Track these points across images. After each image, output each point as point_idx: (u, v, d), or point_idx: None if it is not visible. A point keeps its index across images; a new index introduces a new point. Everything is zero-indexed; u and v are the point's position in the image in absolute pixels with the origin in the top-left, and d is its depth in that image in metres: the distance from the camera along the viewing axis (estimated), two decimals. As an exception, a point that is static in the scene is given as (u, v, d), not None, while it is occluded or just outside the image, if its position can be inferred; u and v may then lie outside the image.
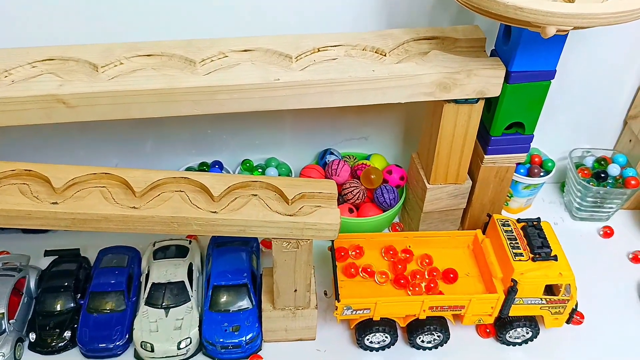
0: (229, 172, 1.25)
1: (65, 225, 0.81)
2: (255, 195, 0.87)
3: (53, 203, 0.81)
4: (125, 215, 0.81)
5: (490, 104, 0.99)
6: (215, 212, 0.83)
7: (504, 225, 1.01)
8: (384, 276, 1.03)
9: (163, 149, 1.24)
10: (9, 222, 0.81)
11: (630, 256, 1.20)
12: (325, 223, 0.84)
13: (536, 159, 1.24)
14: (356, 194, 1.15)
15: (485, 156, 1.03)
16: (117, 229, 0.82)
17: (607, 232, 1.25)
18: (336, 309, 0.95)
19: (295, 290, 0.95)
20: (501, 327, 1.01)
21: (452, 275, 1.02)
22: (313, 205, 0.87)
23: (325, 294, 1.09)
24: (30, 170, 0.84)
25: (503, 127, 0.99)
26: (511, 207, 1.28)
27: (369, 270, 1.03)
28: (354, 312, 0.96)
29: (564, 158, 1.31)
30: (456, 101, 0.94)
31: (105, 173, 0.86)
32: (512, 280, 0.94)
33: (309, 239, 0.87)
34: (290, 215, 0.85)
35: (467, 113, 0.97)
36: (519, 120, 0.98)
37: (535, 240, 0.97)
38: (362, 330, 0.99)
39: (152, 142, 1.23)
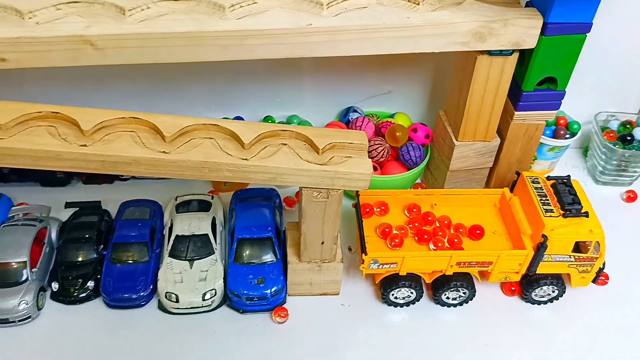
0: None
1: (95, 167, 0.80)
2: (285, 144, 0.86)
3: (82, 145, 0.79)
4: (156, 158, 0.80)
5: (524, 58, 0.96)
6: (246, 159, 0.82)
7: (533, 182, 0.99)
8: (402, 231, 1.02)
9: (181, 105, 1.22)
10: (37, 164, 0.79)
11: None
12: (357, 173, 0.83)
13: (562, 121, 1.22)
14: (380, 151, 1.13)
15: (516, 112, 1.01)
16: (147, 172, 0.81)
17: (631, 196, 1.24)
18: (362, 263, 0.95)
19: (323, 243, 0.94)
20: (527, 285, 1.00)
21: (478, 232, 1.01)
22: (344, 155, 0.85)
23: (350, 249, 1.08)
24: (57, 113, 0.82)
25: (536, 81, 0.97)
26: (534, 170, 1.26)
27: (386, 230, 1.02)
28: (381, 266, 0.95)
29: (588, 122, 1.29)
30: (490, 53, 0.92)
31: (134, 117, 0.84)
32: (543, 236, 0.93)
33: (339, 189, 0.86)
34: (321, 165, 0.83)
35: (500, 66, 0.95)
36: (552, 75, 0.96)
37: (566, 196, 0.95)
38: (387, 285, 0.98)
39: (170, 99, 1.21)
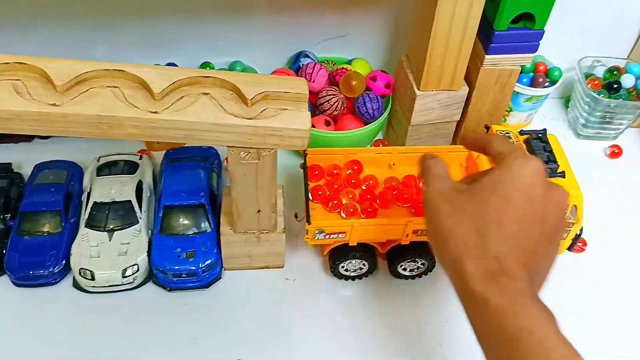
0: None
1: (-35, 124, 0.65)
2: (207, 94, 0.71)
3: (-51, 97, 0.64)
4: (42, 112, 0.65)
5: (496, -9, 0.82)
6: (155, 112, 0.67)
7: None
8: (350, 196, 0.89)
9: (116, 55, 1.06)
10: None
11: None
12: (291, 128, 0.69)
13: (541, 67, 1.08)
14: (334, 103, 0.99)
15: (486, 56, 0.87)
16: (31, 130, 0.66)
17: (615, 152, 1.12)
18: (307, 233, 0.82)
19: (259, 211, 0.81)
20: (495, 254, 0.88)
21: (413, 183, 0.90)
22: (278, 107, 0.71)
23: (296, 216, 0.95)
24: None
25: (510, 18, 0.83)
26: (509, 124, 1.13)
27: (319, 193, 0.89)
28: (327, 236, 0.83)
29: (571, 69, 1.16)
30: (455, -17, 0.77)
31: (20, 63, 0.68)
32: (512, 200, 0.80)
33: (272, 149, 0.72)
34: (249, 119, 0.69)
35: (468, 0, 0.80)
36: (529, 10, 0.82)
37: (541, 154, 0.83)
38: (336, 257, 0.86)
39: (106, 44, 1.05)
